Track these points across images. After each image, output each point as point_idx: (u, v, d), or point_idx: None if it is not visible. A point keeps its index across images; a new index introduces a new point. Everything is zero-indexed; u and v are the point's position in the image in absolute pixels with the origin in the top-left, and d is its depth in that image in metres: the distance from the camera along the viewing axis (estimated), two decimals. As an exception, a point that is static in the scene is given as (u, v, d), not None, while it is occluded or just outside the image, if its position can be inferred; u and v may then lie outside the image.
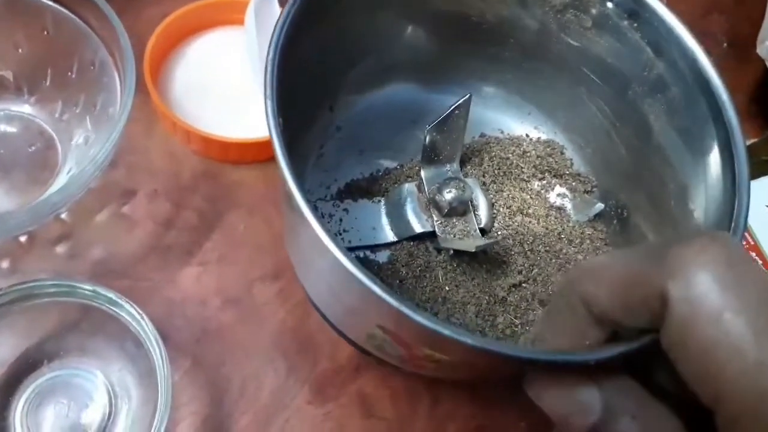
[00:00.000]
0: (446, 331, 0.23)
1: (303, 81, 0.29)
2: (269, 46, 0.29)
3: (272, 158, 0.44)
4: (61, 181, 0.40)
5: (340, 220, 0.38)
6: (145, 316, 0.33)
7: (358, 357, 0.39)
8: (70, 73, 0.40)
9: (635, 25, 0.34)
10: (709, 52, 0.33)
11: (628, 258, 0.22)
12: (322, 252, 0.25)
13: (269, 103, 0.28)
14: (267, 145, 0.42)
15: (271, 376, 0.38)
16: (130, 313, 0.33)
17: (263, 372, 0.38)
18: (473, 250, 0.35)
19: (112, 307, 0.34)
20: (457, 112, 0.37)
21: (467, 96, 0.37)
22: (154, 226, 0.41)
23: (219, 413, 0.37)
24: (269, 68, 0.28)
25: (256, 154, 0.43)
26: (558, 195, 0.40)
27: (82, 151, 0.40)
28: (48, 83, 0.41)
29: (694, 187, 0.33)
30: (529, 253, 0.38)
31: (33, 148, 0.41)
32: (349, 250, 0.37)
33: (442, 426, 0.39)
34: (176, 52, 0.45)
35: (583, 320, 0.23)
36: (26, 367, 0.35)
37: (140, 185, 0.42)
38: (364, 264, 0.37)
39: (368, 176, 0.40)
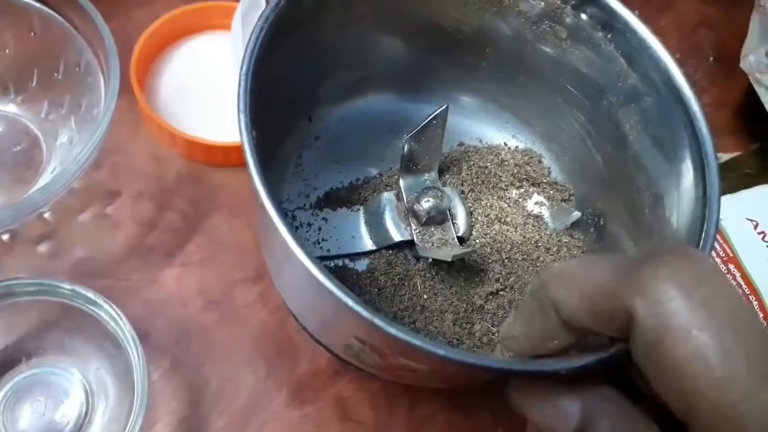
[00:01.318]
0: (418, 342, 0.24)
1: (279, 92, 0.29)
2: (242, 60, 0.29)
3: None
4: (45, 180, 0.40)
5: (319, 229, 0.38)
6: (123, 316, 0.33)
7: (337, 361, 0.39)
8: (56, 74, 0.40)
9: (609, 36, 0.34)
10: (684, 63, 0.33)
11: (598, 267, 0.22)
12: (295, 264, 0.25)
13: (242, 117, 0.28)
14: (251, 148, 0.42)
15: (250, 378, 0.38)
16: (109, 312, 0.34)
17: (242, 374, 0.38)
18: (449, 260, 0.35)
19: (91, 307, 0.34)
20: (434, 122, 0.37)
21: (444, 106, 0.37)
22: (136, 227, 0.41)
23: (196, 414, 0.37)
24: (243, 82, 0.28)
25: (240, 157, 0.43)
26: (536, 203, 0.40)
27: (67, 150, 0.41)
28: (34, 83, 0.41)
29: (668, 195, 0.33)
30: (506, 261, 0.38)
31: (18, 147, 0.41)
32: (328, 259, 0.38)
33: (421, 430, 0.39)
34: (164, 56, 0.46)
35: (552, 322, 0.24)
36: (4, 364, 0.35)
37: (124, 186, 0.42)
38: (343, 272, 0.37)
39: (347, 185, 0.40)
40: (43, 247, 0.40)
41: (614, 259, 0.23)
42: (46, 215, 0.40)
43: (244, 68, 0.29)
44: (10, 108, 0.42)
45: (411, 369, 0.30)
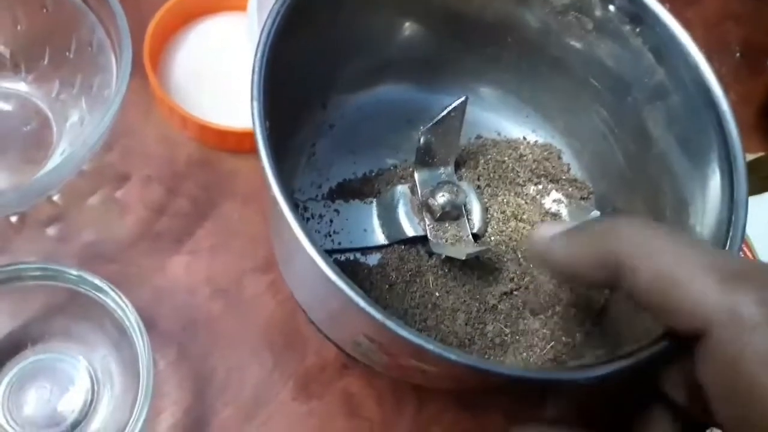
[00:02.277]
0: (431, 347, 0.23)
1: (294, 78, 0.29)
2: (257, 45, 0.28)
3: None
4: (55, 161, 0.40)
5: (331, 221, 0.37)
6: (129, 305, 0.33)
7: (344, 356, 0.39)
8: (67, 53, 0.40)
9: (637, 30, 0.33)
10: (710, 58, 0.32)
11: (690, 259, 0.21)
12: (305, 258, 0.25)
13: (255, 104, 0.27)
14: (264, 135, 0.41)
15: (257, 370, 0.38)
16: (115, 300, 0.33)
17: (248, 365, 0.38)
18: (463, 258, 0.34)
19: (97, 293, 0.33)
20: (452, 114, 0.36)
21: (463, 98, 0.36)
22: (146, 212, 0.40)
23: (201, 404, 0.36)
24: (257, 68, 0.28)
25: (253, 143, 0.42)
26: (554, 201, 0.39)
27: (77, 131, 0.40)
28: (46, 62, 0.40)
29: (691, 197, 0.32)
30: (521, 260, 0.37)
31: (28, 127, 0.41)
32: (339, 252, 0.37)
33: (426, 430, 0.38)
34: (177, 37, 0.45)
35: (603, 271, 0.23)
36: (10, 349, 0.35)
37: (134, 170, 0.41)
38: (354, 267, 0.36)
39: (361, 176, 0.39)
40: (51, 230, 0.39)
41: (709, 255, 0.21)
42: (55, 198, 0.40)
43: (259, 53, 0.28)
44: (21, 86, 0.41)
45: (421, 370, 0.29)
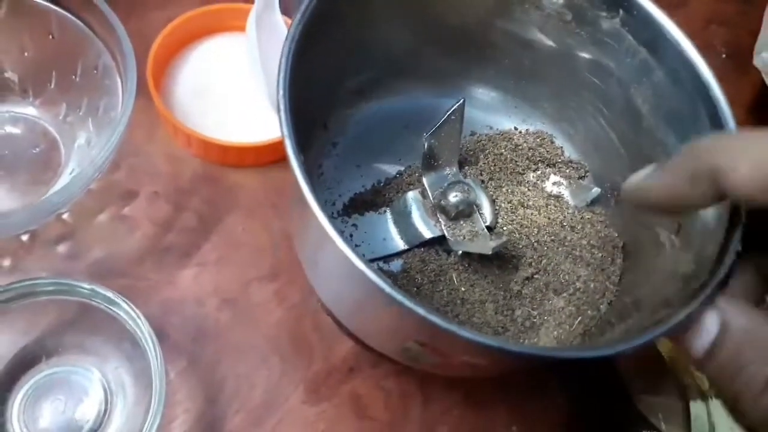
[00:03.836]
0: (495, 344, 0.25)
1: (301, 101, 0.29)
2: (279, 72, 0.29)
3: (271, 162, 0.45)
4: (63, 181, 0.41)
5: (351, 235, 0.38)
6: (141, 315, 0.34)
7: (352, 359, 0.40)
8: (74, 77, 0.41)
9: (612, 14, 0.35)
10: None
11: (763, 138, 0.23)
12: (355, 278, 0.25)
13: (283, 115, 0.28)
14: (265, 149, 0.43)
15: (265, 376, 0.39)
16: (127, 312, 0.34)
17: (257, 371, 0.39)
18: (489, 252, 0.35)
19: (110, 306, 0.34)
20: (452, 117, 0.38)
21: (461, 101, 0.37)
22: (153, 228, 0.42)
23: (212, 412, 0.37)
24: (282, 91, 0.28)
25: (256, 157, 0.43)
26: (554, 183, 0.41)
27: (85, 152, 0.41)
28: (53, 86, 0.42)
29: None
30: (536, 244, 0.38)
31: (37, 149, 0.42)
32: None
33: (434, 427, 0.39)
34: (179, 57, 0.46)
35: (702, 186, 0.24)
36: (24, 363, 0.36)
37: (141, 187, 0.43)
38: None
39: (370, 188, 0.40)
40: (61, 248, 0.40)
41: None
42: (65, 216, 0.41)
43: (282, 77, 0.29)
44: (29, 110, 0.43)
45: (471, 364, 0.31)
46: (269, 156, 0.44)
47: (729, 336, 0.25)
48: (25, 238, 0.40)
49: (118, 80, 0.39)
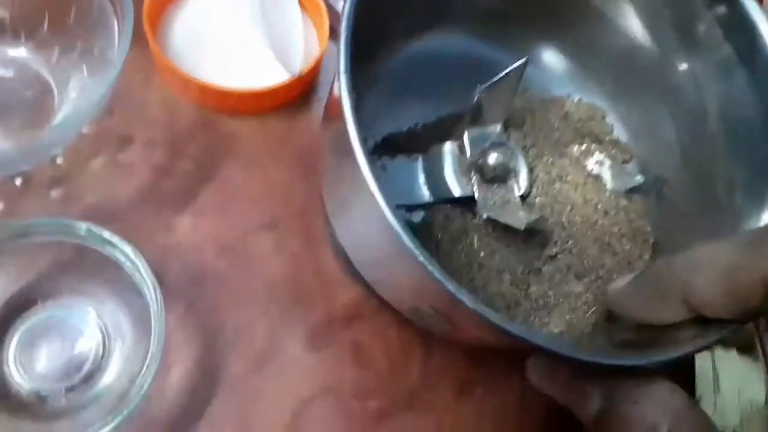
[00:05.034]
0: (515, 331, 0.23)
1: (357, 27, 0.28)
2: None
3: (270, 110, 0.44)
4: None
5: (377, 178, 0.37)
6: (139, 255, 0.33)
7: (353, 308, 0.39)
8: (67, 19, 0.40)
9: (714, 6, 0.33)
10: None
11: (728, 248, 0.23)
12: (381, 226, 0.24)
13: (344, 46, 0.26)
14: (265, 95, 0.42)
15: (265, 324, 0.38)
16: (124, 252, 0.33)
17: (257, 319, 0.38)
18: (522, 228, 0.34)
19: (106, 248, 0.34)
20: (511, 75, 0.35)
21: (524, 59, 0.35)
22: (149, 174, 0.41)
23: (212, 358, 0.37)
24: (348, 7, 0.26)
25: (254, 104, 0.43)
26: (596, 162, 0.39)
27: (79, 97, 0.40)
28: (45, 28, 0.41)
29: (746, 185, 0.32)
30: (566, 223, 0.37)
31: (29, 93, 0.41)
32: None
33: (435, 379, 0.39)
34: (176, 1, 0.45)
35: (675, 305, 0.24)
36: (19, 306, 0.35)
37: (136, 133, 0.42)
38: None
39: (406, 131, 0.38)
40: (55, 193, 0.39)
41: (741, 237, 0.24)
42: (59, 161, 0.40)
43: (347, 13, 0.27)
44: (21, 53, 0.41)
45: (480, 338, 0.29)
46: (268, 103, 0.43)
47: None
48: (18, 182, 0.39)
49: (114, 23, 0.38)
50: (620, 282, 0.28)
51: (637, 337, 0.28)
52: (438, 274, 0.23)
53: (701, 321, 0.25)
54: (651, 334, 0.27)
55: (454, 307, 0.24)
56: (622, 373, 0.24)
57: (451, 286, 0.23)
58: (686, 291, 0.24)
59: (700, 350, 0.25)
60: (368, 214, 0.26)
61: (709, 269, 0.23)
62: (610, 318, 0.34)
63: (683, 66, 0.35)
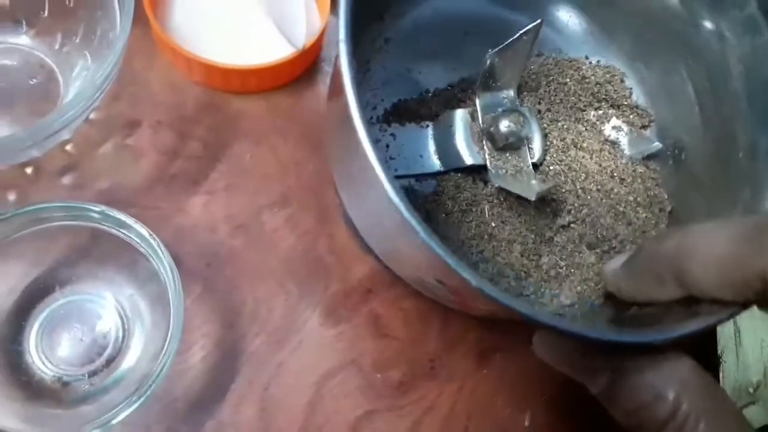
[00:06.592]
0: (523, 309, 0.23)
1: None
2: None
3: (275, 87, 0.44)
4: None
5: (387, 146, 0.36)
6: (154, 235, 0.33)
7: (368, 281, 0.39)
8: (68, 2, 0.39)
9: None
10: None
11: (724, 236, 0.22)
12: (381, 197, 0.24)
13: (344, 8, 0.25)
14: (269, 71, 0.41)
15: (283, 300, 0.38)
16: (140, 234, 0.33)
17: (275, 296, 0.38)
18: (533, 199, 0.33)
19: (122, 230, 0.34)
20: (524, 37, 0.34)
21: (538, 21, 0.34)
22: (159, 156, 0.41)
23: (231, 335, 0.37)
24: None
25: (259, 81, 0.42)
26: (613, 128, 0.38)
27: (83, 81, 0.40)
28: (46, 14, 0.40)
29: (765, 148, 0.31)
30: (580, 192, 0.36)
31: (34, 80, 0.41)
32: (396, 179, 0.36)
33: (453, 347, 0.39)
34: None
35: (669, 286, 0.24)
36: (38, 293, 0.36)
37: (144, 117, 0.41)
38: (409, 195, 0.35)
39: (417, 96, 0.37)
40: (66, 179, 0.39)
41: (739, 225, 0.23)
42: (68, 147, 0.40)
43: None
44: (23, 40, 0.41)
45: (487, 310, 0.29)
46: (273, 80, 0.43)
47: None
48: (29, 170, 0.39)
49: (115, 3, 0.38)
50: (614, 263, 0.28)
51: (644, 312, 0.28)
52: (438, 248, 0.23)
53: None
54: (655, 311, 0.27)
55: (456, 281, 0.24)
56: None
57: (451, 261, 0.23)
58: (680, 276, 0.23)
59: (708, 328, 0.24)
60: (370, 185, 0.25)
61: (703, 258, 0.22)
62: None
63: (707, 23, 0.34)
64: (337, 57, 0.28)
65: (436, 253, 0.22)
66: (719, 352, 0.36)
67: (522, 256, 0.34)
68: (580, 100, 0.38)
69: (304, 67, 0.44)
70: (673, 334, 0.24)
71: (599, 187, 0.36)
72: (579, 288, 0.34)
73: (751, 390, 0.36)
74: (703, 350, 0.39)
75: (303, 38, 0.42)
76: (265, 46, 0.43)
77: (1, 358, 0.34)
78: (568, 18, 0.40)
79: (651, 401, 0.22)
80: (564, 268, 0.34)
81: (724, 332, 0.36)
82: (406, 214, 0.23)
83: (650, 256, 0.25)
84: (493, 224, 0.35)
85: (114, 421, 0.30)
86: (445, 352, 0.39)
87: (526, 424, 0.38)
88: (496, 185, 0.35)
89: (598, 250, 0.35)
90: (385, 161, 0.35)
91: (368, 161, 0.23)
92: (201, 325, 0.37)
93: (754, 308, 0.38)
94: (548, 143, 0.37)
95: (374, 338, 0.38)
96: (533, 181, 0.35)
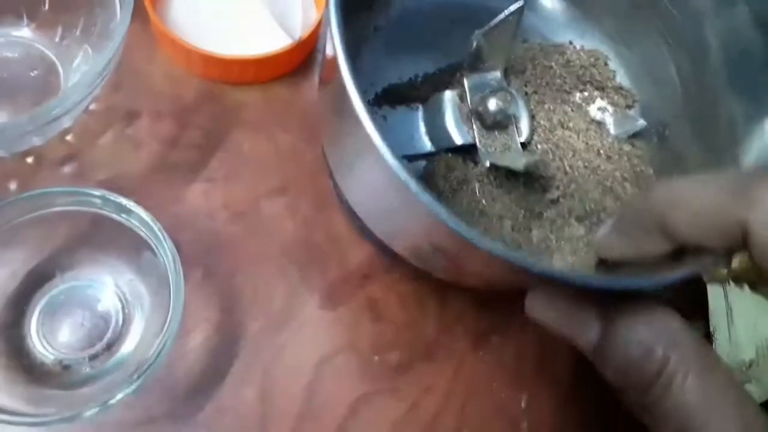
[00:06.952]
0: (518, 259, 0.23)
1: None
2: None
3: (273, 78, 0.44)
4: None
5: (377, 127, 0.37)
6: (154, 219, 0.33)
7: (366, 266, 0.40)
8: (67, -5, 0.40)
9: None
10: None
11: (707, 187, 0.23)
12: (381, 169, 0.24)
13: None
14: (267, 61, 0.42)
15: (282, 285, 0.39)
16: (141, 218, 0.34)
17: (274, 281, 0.39)
18: (521, 169, 0.34)
19: (122, 215, 0.34)
20: (510, 18, 0.35)
21: (521, 3, 0.35)
22: (158, 146, 0.41)
23: (231, 320, 0.37)
24: None
25: (257, 72, 0.43)
26: (598, 109, 0.39)
27: (84, 74, 0.40)
28: (46, 7, 0.41)
29: (746, 120, 0.32)
30: (568, 168, 0.37)
31: (35, 73, 0.41)
32: None
33: (450, 328, 0.39)
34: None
35: (656, 238, 0.24)
36: (39, 279, 0.36)
37: (143, 107, 0.42)
38: None
39: (406, 81, 0.38)
40: (67, 169, 0.40)
41: (721, 178, 0.23)
42: (69, 137, 0.40)
43: None
44: (24, 33, 0.42)
45: (479, 274, 0.30)
46: (271, 71, 0.43)
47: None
48: (30, 160, 0.39)
49: (115, -4, 0.39)
50: (605, 226, 0.29)
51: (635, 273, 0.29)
52: (436, 207, 0.23)
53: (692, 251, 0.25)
54: (644, 272, 0.27)
55: (453, 242, 0.24)
56: (619, 300, 0.25)
57: (450, 221, 0.23)
58: (664, 225, 0.24)
59: (699, 272, 0.25)
60: (365, 158, 0.26)
61: (687, 206, 0.23)
62: None
63: (689, 4, 0.35)
64: (326, 43, 0.28)
65: (434, 212, 0.23)
66: (711, 330, 0.37)
67: (513, 230, 0.35)
68: (565, 83, 0.39)
69: (301, 58, 0.45)
70: (664, 281, 0.24)
71: (586, 164, 0.37)
72: (570, 259, 0.35)
73: (744, 369, 0.36)
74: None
75: (300, 30, 0.43)
76: (262, 38, 0.44)
77: (3, 343, 0.34)
78: (551, 2, 0.41)
79: (640, 356, 0.23)
80: (554, 241, 0.35)
81: (717, 311, 0.37)
82: (403, 176, 0.23)
83: (636, 207, 0.26)
84: (484, 201, 0.36)
85: (112, 401, 0.30)
86: (441, 335, 0.39)
87: (523, 405, 0.38)
88: (486, 163, 0.36)
89: (587, 222, 0.36)
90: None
91: (364, 129, 0.24)
92: (201, 310, 0.37)
93: (746, 288, 0.39)
94: (535, 123, 0.38)
95: (372, 322, 0.39)
96: (522, 158, 0.36)
